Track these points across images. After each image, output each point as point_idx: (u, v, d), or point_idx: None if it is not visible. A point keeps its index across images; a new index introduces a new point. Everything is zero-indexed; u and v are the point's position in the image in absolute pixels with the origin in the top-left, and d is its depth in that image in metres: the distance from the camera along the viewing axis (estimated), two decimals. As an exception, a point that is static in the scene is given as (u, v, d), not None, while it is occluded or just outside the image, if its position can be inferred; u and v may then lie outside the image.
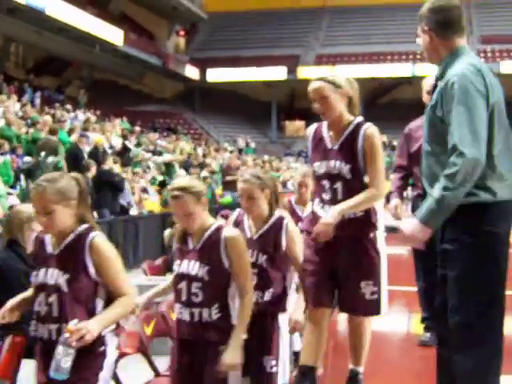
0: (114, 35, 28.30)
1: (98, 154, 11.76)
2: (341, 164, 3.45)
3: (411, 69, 34.71)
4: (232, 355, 2.81)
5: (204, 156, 18.73)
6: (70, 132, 14.07)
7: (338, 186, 3.47)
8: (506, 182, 2.81)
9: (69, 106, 21.67)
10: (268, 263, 3.36)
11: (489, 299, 2.79)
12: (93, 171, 10.05)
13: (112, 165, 11.16)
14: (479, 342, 2.76)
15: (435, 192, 2.73)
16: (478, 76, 2.78)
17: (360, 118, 3.52)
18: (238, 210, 3.57)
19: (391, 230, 3.75)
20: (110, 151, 14.45)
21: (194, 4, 37.51)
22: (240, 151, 26.38)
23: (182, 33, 39.68)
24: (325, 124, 3.62)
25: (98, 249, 2.68)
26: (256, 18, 40.35)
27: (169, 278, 3.25)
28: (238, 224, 3.49)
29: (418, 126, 4.55)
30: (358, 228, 3.51)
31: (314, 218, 3.53)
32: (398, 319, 5.56)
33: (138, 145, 18.25)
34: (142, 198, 12.94)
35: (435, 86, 2.97)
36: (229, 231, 2.99)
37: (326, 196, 3.51)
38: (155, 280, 5.49)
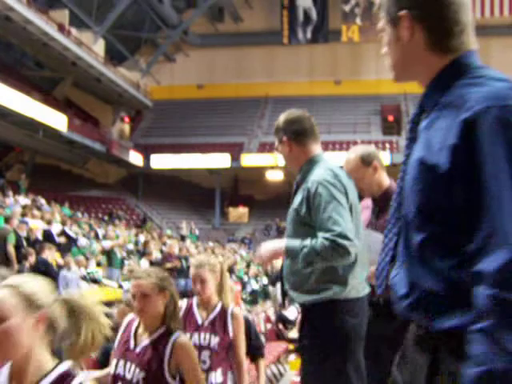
0: (57, 121, 28.30)
1: (36, 242, 11.52)
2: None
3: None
4: None
5: (145, 244, 18.54)
6: (9, 218, 13.80)
7: None
8: (357, 279, 3.00)
9: (9, 191, 21.35)
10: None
11: None
12: (31, 260, 9.80)
13: (49, 253, 10.90)
14: None
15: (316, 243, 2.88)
16: (336, 179, 3.03)
17: None
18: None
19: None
20: (51, 238, 14.18)
21: (139, 92, 38.08)
22: (183, 238, 26.22)
23: (126, 119, 40.02)
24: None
25: None
26: (200, 107, 41.08)
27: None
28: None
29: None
30: None
31: None
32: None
33: (80, 232, 17.99)
34: (81, 287, 12.66)
35: (296, 190, 3.19)
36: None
37: None
38: (91, 374, 5.30)
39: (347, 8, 39.73)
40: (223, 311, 3.74)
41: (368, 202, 3.85)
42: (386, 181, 3.67)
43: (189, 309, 3.78)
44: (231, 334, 3.68)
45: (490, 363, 1.37)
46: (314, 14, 39.98)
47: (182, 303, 3.67)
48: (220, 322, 3.70)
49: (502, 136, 1.45)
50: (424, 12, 1.67)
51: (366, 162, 3.64)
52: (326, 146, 37.54)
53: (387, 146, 36.33)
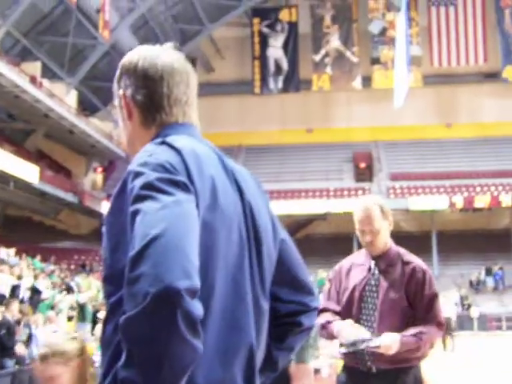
0: (29, 172, 28.04)
1: (3, 298, 11.22)
2: None
3: (325, 205, 35.72)
4: None
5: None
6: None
7: None
8: None
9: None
10: None
11: None
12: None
13: (15, 311, 10.45)
14: None
15: None
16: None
17: None
18: None
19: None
20: (18, 294, 13.85)
21: (111, 142, 38.00)
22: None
23: (99, 170, 39.83)
24: None
25: None
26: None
27: None
28: None
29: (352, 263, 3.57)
30: None
31: None
32: None
33: (51, 285, 17.61)
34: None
35: None
36: None
37: None
38: None
39: (317, 58, 40.38)
40: None
41: (362, 258, 3.51)
42: (389, 241, 3.42)
43: None
44: None
45: None
46: (284, 64, 40.55)
47: None
48: None
49: (132, 197, 1.38)
50: (135, 90, 1.65)
51: (385, 214, 3.38)
52: (299, 194, 37.67)
53: (360, 192, 36.54)
